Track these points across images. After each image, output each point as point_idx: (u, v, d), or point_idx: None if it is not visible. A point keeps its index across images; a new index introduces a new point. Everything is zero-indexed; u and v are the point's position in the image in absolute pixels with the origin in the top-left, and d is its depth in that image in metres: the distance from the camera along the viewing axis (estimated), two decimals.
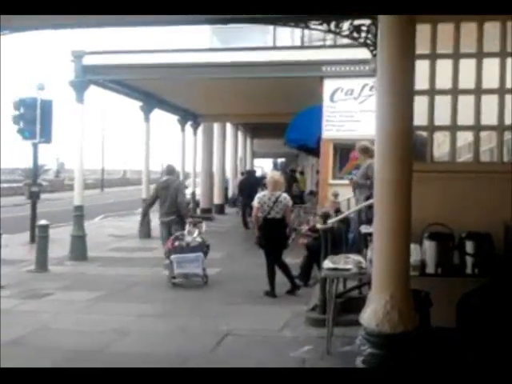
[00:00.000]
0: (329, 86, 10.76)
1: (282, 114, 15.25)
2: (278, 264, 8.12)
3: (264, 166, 57.12)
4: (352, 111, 10.62)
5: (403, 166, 3.80)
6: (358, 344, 5.25)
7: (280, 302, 7.72)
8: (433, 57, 4.90)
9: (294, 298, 7.88)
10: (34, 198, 14.27)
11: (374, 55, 5.02)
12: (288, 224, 8.15)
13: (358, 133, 10.09)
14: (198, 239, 9.05)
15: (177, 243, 8.94)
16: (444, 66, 4.87)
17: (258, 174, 28.61)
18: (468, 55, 4.89)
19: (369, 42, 4.88)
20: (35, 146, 13.86)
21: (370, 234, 5.24)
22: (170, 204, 9.56)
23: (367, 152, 7.51)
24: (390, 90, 3.81)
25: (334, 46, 10.88)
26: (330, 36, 11.35)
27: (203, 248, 9.00)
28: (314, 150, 13.24)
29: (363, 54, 5.33)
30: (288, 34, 12.65)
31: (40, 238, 10.36)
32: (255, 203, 8.15)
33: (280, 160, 37.87)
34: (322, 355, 5.33)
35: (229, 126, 23.95)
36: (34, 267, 10.15)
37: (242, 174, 20.91)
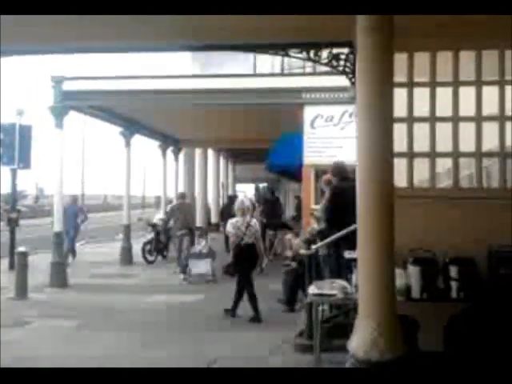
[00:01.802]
0: (309, 112, 10.94)
1: (263, 140, 15.34)
2: (249, 292, 8.17)
3: (246, 191, 57.18)
4: (332, 137, 10.77)
5: (385, 192, 3.83)
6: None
7: (267, 328, 7.68)
8: (410, 85, 4.99)
9: (280, 323, 7.81)
10: (12, 224, 14.07)
11: (353, 83, 5.11)
12: (259, 249, 8.34)
13: (338, 158, 10.16)
14: (206, 249, 11.98)
15: (192, 251, 12.02)
16: (422, 94, 4.96)
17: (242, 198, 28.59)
18: (444, 84, 4.99)
19: (347, 69, 4.98)
20: (14, 171, 13.75)
21: (355, 260, 5.28)
22: (183, 222, 12.57)
23: (330, 184, 7.62)
24: (369, 117, 3.85)
25: (314, 73, 11.07)
26: (310, 63, 11.54)
27: (211, 254, 11.82)
28: (295, 176, 13.33)
29: (342, 81, 5.42)
30: (268, 62, 12.83)
31: (19, 265, 10.23)
32: (230, 229, 8.27)
33: (262, 185, 37.96)
34: None
35: (210, 152, 24.01)
36: (14, 294, 9.98)
37: (230, 198, 20.86)
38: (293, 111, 11.18)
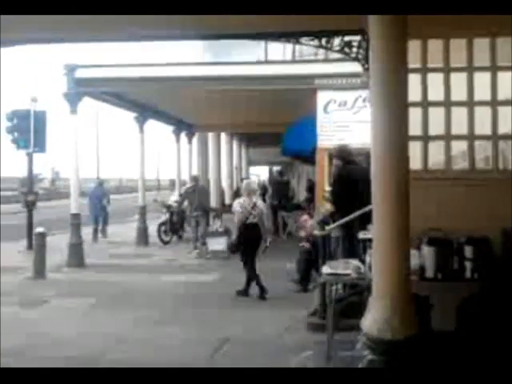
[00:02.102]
0: (322, 97, 11.00)
1: (276, 124, 15.37)
2: (249, 268, 8.46)
3: (260, 174, 57.13)
4: (346, 122, 10.82)
5: (400, 175, 3.89)
6: (359, 349, 5.35)
7: (280, 307, 7.79)
8: (424, 71, 5.02)
9: (293, 302, 7.92)
10: (30, 206, 14.35)
11: (366, 69, 5.15)
12: (263, 229, 8.63)
13: (351, 141, 10.21)
14: (222, 228, 12.84)
15: (208, 230, 13.17)
16: (437, 80, 5.00)
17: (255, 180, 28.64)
18: (459, 69, 5.02)
19: (360, 56, 5.01)
20: (30, 155, 14.05)
21: (369, 240, 5.36)
22: (198, 203, 13.19)
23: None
24: (383, 102, 3.89)
25: (326, 60, 11.07)
26: (322, 50, 11.54)
27: (227, 232, 12.30)
28: (309, 159, 13.40)
29: (355, 67, 5.46)
30: (280, 48, 12.85)
31: (37, 245, 10.47)
32: (237, 208, 8.58)
33: (276, 168, 37.98)
34: (323, 360, 5.35)
35: (223, 136, 24.04)
36: (32, 274, 10.21)
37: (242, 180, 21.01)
38: (307, 96, 11.20)
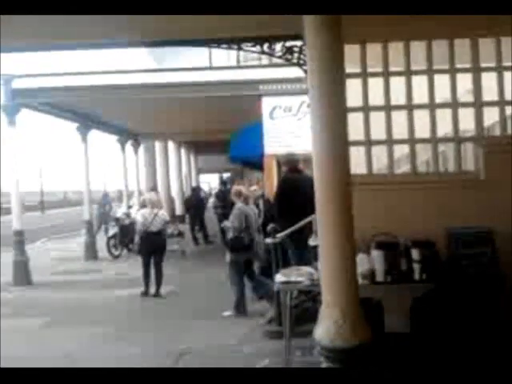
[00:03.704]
0: (267, 103, 11.04)
1: (223, 131, 15.35)
2: (157, 271, 9.51)
3: (210, 182, 56.94)
4: (291, 127, 10.89)
5: (341, 179, 3.86)
6: (316, 355, 5.35)
7: (236, 316, 7.76)
8: (364, 75, 5.06)
9: (248, 311, 7.92)
10: None
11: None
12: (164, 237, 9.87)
13: (298, 147, 10.29)
14: (176, 230, 14.54)
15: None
16: (376, 84, 5.07)
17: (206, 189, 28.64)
18: (397, 73, 5.08)
19: (301, 62, 5.02)
20: None
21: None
22: None
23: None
24: (321, 106, 3.85)
25: (270, 65, 11.11)
26: (265, 56, 11.56)
27: (180, 234, 14.76)
28: (257, 165, 13.42)
29: (298, 72, 5.47)
30: (224, 53, 12.81)
31: None
32: (139, 218, 9.81)
33: (226, 175, 37.97)
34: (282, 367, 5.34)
35: (171, 144, 23.80)
36: None
37: (193, 190, 20.93)
38: (253, 102, 11.20)
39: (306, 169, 9.57)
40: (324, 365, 3.74)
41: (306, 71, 4.75)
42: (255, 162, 13.14)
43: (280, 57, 5.03)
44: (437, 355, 4.29)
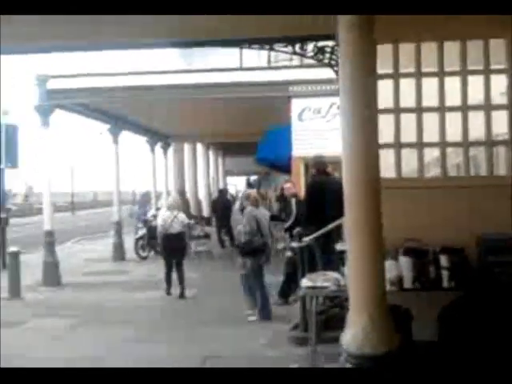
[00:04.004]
0: (297, 105, 10.92)
1: (252, 133, 15.32)
2: (179, 271, 9.78)
3: (237, 184, 57.06)
4: (320, 130, 10.75)
5: (371, 183, 3.82)
6: (342, 361, 5.28)
7: (260, 322, 7.70)
8: (396, 76, 4.99)
9: (274, 316, 7.85)
10: (2, 224, 14.01)
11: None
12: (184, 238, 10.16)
13: (327, 150, 10.19)
14: (202, 232, 15.17)
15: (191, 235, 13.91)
16: (408, 85, 4.97)
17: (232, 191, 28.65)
18: (430, 74, 4.99)
19: (333, 62, 4.95)
20: (1, 171, 13.76)
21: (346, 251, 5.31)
22: None
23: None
24: (352, 109, 3.83)
25: (301, 65, 11.03)
26: (296, 56, 11.46)
27: (207, 236, 15.16)
28: (285, 168, 13.32)
29: (329, 73, 5.41)
30: (254, 54, 12.77)
31: (11, 265, 10.20)
32: (159, 221, 10.23)
33: (253, 177, 37.97)
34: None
35: (199, 146, 23.90)
36: (8, 294, 9.94)
37: (220, 192, 20.99)
38: (283, 103, 11.13)
39: (335, 171, 9.50)
40: None
41: (337, 72, 4.70)
42: (282, 165, 13.04)
43: (312, 57, 4.98)
44: (465, 364, 4.19)
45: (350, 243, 3.78)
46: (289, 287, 8.54)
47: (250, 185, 21.45)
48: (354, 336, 3.64)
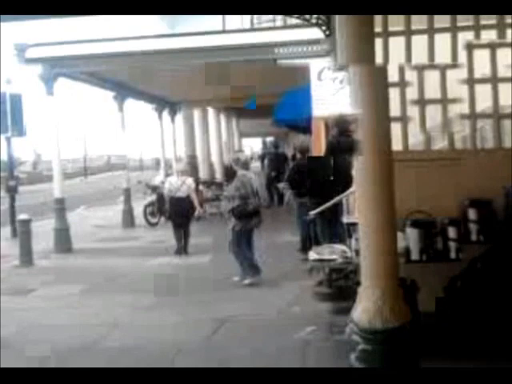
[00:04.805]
0: (316, 64, 10.46)
1: (266, 96, 15.02)
2: (186, 231, 10.58)
3: (253, 146, 56.73)
4: (340, 88, 10.38)
5: (383, 155, 3.71)
6: (348, 333, 5.32)
7: (284, 279, 7.80)
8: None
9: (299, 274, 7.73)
10: (11, 191, 14.15)
11: (327, 35, 4.91)
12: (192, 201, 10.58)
13: (348, 109, 9.93)
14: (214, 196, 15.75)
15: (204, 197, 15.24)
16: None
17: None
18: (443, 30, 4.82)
19: (321, 22, 4.79)
20: (8, 139, 13.82)
21: (353, 224, 5.28)
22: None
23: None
24: (363, 82, 3.71)
25: (284, 27, 10.71)
26: (280, 16, 11.14)
27: (218, 199, 14.49)
28: (304, 129, 13.06)
29: (315, 33, 5.24)
30: (237, 16, 12.38)
31: (22, 232, 10.30)
32: (167, 185, 10.80)
33: (269, 139, 37.68)
34: (326, 336, 5.37)
35: (211, 109, 23.65)
36: (19, 262, 10.06)
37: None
38: (298, 65, 10.79)
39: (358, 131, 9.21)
40: (360, 346, 3.65)
41: (325, 32, 4.54)
42: (302, 125, 12.74)
43: (298, 17, 4.77)
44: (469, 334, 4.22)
45: (363, 215, 3.70)
46: (308, 243, 8.55)
47: (275, 146, 21.25)
48: (365, 310, 3.60)
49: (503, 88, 4.75)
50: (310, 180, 7.88)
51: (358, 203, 3.82)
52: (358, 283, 5.50)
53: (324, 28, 4.60)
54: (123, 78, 13.75)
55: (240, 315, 6.36)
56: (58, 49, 11.38)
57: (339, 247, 5.33)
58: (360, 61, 3.60)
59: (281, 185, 15.87)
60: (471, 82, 4.78)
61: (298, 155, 9.87)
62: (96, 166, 56.31)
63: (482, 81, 4.79)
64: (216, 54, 10.78)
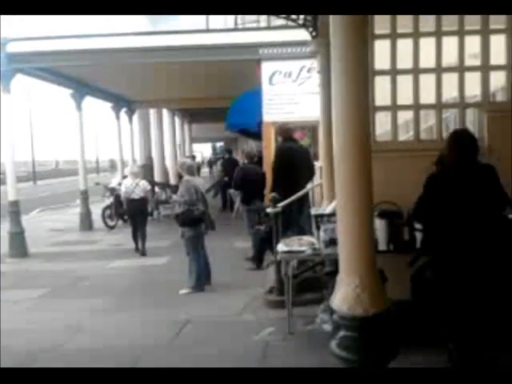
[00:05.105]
0: (267, 68, 10.62)
1: (219, 98, 15.07)
2: (142, 233, 10.85)
3: (203, 151, 56.59)
4: (291, 94, 10.60)
5: (360, 144, 3.74)
6: (319, 323, 5.35)
7: (236, 287, 7.73)
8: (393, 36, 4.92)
9: (249, 281, 7.88)
10: None
11: (313, 36, 5.00)
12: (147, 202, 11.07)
13: (298, 115, 10.12)
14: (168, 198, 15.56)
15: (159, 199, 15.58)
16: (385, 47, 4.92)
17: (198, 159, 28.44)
18: (405, 35, 4.96)
19: (307, 23, 4.86)
20: None
21: (321, 216, 5.34)
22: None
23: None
24: (345, 71, 3.72)
25: (268, 27, 10.80)
26: (264, 17, 11.22)
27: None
28: (255, 134, 13.18)
29: (300, 35, 5.31)
30: (221, 16, 12.42)
31: None
32: (122, 188, 11.00)
33: (219, 144, 37.71)
34: (284, 336, 5.40)
35: (165, 112, 23.50)
36: None
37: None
38: (253, 68, 10.90)
39: (305, 136, 9.52)
40: (340, 334, 3.66)
41: (311, 33, 4.60)
42: (253, 130, 12.87)
43: (285, 17, 4.85)
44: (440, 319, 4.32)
45: (341, 205, 3.73)
46: (262, 253, 8.59)
47: (228, 151, 21.25)
48: (344, 297, 3.61)
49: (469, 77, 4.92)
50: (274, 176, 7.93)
51: (337, 193, 3.82)
52: (326, 274, 5.63)
53: (311, 29, 4.65)
54: (84, 74, 13.47)
55: (199, 316, 6.38)
56: (22, 44, 11.08)
57: (308, 239, 5.37)
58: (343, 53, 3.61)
59: (231, 191, 16.02)
60: (438, 71, 4.91)
61: (245, 160, 10.31)
62: (44, 171, 54.55)
63: (448, 70, 4.93)
64: (199, 53, 10.74)
